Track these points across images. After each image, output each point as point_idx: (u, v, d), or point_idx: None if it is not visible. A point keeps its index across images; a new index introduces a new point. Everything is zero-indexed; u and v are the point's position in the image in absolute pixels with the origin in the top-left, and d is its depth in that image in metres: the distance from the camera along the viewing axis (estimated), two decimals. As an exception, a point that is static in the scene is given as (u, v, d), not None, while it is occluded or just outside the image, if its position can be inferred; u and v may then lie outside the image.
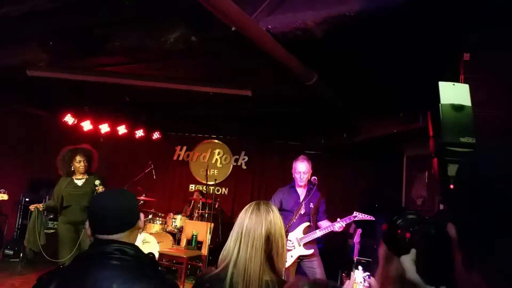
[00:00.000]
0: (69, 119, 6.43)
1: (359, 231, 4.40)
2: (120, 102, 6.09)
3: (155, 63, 4.37)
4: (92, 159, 4.56)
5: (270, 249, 1.61)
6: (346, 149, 6.57)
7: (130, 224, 1.49)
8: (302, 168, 3.79)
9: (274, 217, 1.68)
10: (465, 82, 2.53)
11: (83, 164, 4.41)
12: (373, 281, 1.72)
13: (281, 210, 3.85)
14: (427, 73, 3.56)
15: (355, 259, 4.22)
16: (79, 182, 4.42)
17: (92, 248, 1.46)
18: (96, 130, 6.86)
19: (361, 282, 2.53)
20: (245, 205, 1.75)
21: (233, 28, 2.79)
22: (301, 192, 3.90)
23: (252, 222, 1.63)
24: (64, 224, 4.32)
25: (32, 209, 4.28)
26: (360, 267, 2.33)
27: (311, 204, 3.84)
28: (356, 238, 4.41)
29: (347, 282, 2.31)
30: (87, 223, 1.52)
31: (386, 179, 6.44)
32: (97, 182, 4.31)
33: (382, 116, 5.16)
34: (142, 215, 1.59)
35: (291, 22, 2.81)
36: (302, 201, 3.66)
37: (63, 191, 4.36)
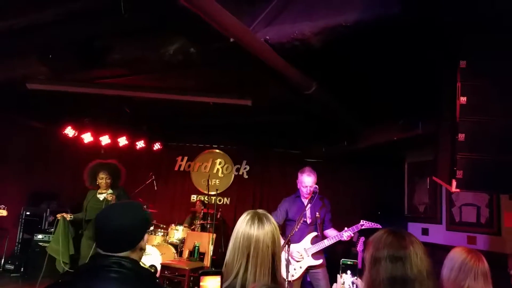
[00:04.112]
0: (69, 131, 6.44)
1: (362, 239, 4.36)
2: (120, 113, 6.11)
3: (155, 74, 4.40)
4: (117, 175, 4.57)
5: (275, 264, 1.58)
6: (347, 156, 6.56)
7: (129, 245, 1.45)
8: (308, 182, 3.76)
9: (276, 230, 1.64)
10: (462, 90, 2.54)
11: (104, 181, 4.45)
12: (360, 282, 1.70)
13: (287, 220, 3.87)
14: (425, 81, 3.58)
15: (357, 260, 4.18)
16: (101, 197, 4.45)
17: (91, 262, 1.47)
18: (96, 142, 6.86)
19: (349, 286, 2.50)
20: (247, 215, 1.68)
21: (232, 40, 2.81)
22: (307, 201, 3.85)
23: (259, 238, 1.56)
24: (86, 240, 4.29)
25: (59, 217, 4.30)
26: (348, 271, 2.30)
27: (317, 213, 3.81)
28: (359, 247, 4.37)
29: (334, 285, 2.29)
30: None
31: (388, 186, 6.42)
32: (110, 191, 4.32)
33: (382, 123, 5.16)
34: (146, 236, 1.55)
35: (289, 32, 2.83)
36: (303, 211, 3.64)
37: (88, 204, 4.38)
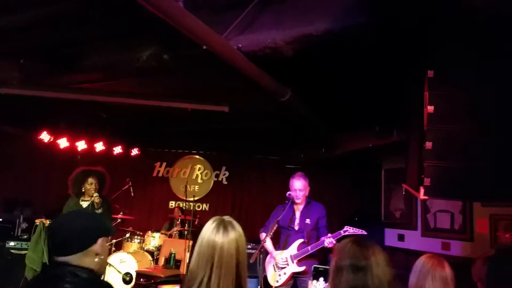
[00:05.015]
0: (44, 136, 6.30)
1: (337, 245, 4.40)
2: (97, 118, 6.02)
3: (131, 79, 4.36)
4: (105, 182, 4.48)
5: (240, 273, 1.56)
6: (325, 163, 6.61)
7: (79, 247, 1.47)
8: (297, 186, 3.76)
9: (241, 238, 1.62)
10: (429, 99, 2.60)
11: (94, 187, 4.34)
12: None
13: (279, 227, 3.85)
14: (398, 89, 3.65)
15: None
16: (85, 204, 4.33)
17: (45, 271, 1.46)
18: (72, 148, 6.73)
19: None
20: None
21: (204, 47, 2.81)
22: (297, 208, 3.86)
23: (224, 246, 1.54)
24: None
25: (38, 223, 4.15)
26: (321, 278, 2.29)
27: (307, 220, 3.80)
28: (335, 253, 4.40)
29: None
30: None
31: (365, 192, 6.50)
32: (95, 194, 4.23)
33: (359, 130, 5.23)
34: (100, 240, 1.54)
35: (261, 41, 2.85)
36: (277, 217, 3.64)
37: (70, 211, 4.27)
